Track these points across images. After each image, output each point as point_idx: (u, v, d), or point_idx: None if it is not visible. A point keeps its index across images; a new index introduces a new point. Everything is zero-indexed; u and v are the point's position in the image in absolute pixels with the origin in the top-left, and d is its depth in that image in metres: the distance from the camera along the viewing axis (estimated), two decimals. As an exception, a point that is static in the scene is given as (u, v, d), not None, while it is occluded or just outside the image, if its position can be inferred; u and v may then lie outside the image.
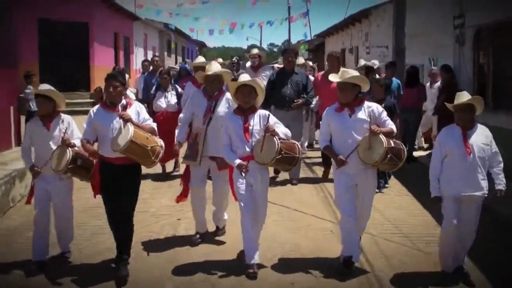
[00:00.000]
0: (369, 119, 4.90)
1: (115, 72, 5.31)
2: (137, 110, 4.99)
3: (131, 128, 4.72)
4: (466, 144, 4.61)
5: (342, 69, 5.61)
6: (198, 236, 5.89)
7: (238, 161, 4.95)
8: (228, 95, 5.71)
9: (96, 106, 5.08)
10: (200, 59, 8.45)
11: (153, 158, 4.85)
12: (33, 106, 11.07)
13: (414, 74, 10.29)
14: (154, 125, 5.11)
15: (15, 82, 9.99)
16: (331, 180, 7.66)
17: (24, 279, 4.96)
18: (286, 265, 5.23)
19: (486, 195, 4.68)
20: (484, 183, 4.65)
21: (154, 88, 8.95)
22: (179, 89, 8.71)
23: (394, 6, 11.27)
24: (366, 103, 5.03)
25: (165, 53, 33.60)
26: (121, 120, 4.80)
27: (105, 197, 5.01)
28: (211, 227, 6.07)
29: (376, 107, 5.02)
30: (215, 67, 5.73)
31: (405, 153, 4.99)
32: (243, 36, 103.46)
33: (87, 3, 18.64)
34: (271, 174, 7.63)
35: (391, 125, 4.99)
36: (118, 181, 4.89)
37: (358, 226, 5.12)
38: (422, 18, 13.91)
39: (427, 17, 13.65)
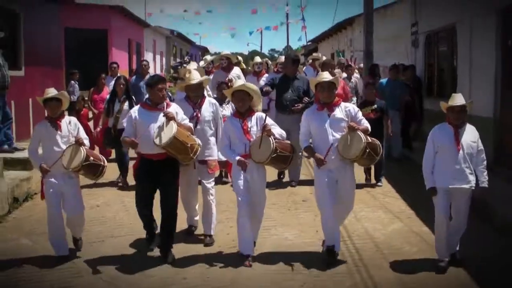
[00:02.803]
0: (346, 118, 5.17)
1: (159, 76, 5.59)
2: (176, 111, 5.25)
3: (174, 125, 4.97)
4: (457, 141, 4.91)
5: (320, 72, 5.81)
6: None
7: (238, 157, 5.18)
8: (211, 99, 6.07)
9: (136, 107, 5.36)
10: (193, 65, 9.11)
11: (191, 155, 5.09)
12: (74, 98, 12.47)
13: (373, 70, 11.97)
14: (191, 125, 5.38)
15: (62, 78, 12.45)
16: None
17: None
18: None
19: (473, 188, 4.97)
20: (472, 177, 4.94)
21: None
22: (172, 97, 8.48)
23: (364, 17, 13.15)
24: (343, 104, 5.30)
25: (171, 58, 36.00)
26: (164, 118, 5.04)
27: (140, 190, 5.27)
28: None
29: (352, 107, 5.32)
30: (196, 75, 5.75)
31: (381, 148, 5.31)
32: (244, 41, 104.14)
33: (106, 12, 21.12)
34: (275, 177, 8.52)
35: (366, 124, 5.25)
36: (156, 176, 5.15)
37: (339, 218, 5.37)
38: (389, 26, 15.40)
39: (393, 25, 15.05)
